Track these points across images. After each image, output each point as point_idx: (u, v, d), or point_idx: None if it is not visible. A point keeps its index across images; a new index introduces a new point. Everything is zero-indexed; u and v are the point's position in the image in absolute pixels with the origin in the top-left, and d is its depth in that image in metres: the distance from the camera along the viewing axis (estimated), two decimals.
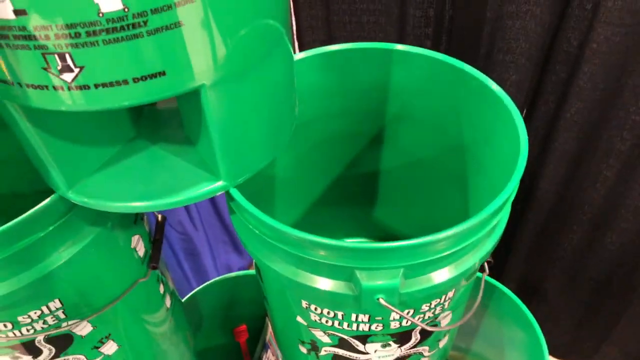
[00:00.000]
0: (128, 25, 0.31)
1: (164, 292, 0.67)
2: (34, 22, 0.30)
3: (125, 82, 0.33)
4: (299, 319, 0.53)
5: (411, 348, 0.55)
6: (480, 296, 0.51)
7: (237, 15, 0.35)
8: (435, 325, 0.53)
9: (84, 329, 0.55)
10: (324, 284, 0.45)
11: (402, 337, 0.52)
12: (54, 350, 0.55)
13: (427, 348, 0.57)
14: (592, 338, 1.12)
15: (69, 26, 0.30)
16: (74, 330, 0.54)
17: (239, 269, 1.30)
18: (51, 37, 0.31)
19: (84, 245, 0.49)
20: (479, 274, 0.55)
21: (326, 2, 0.87)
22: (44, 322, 0.51)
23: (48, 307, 0.50)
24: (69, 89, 0.33)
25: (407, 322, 0.50)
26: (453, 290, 0.50)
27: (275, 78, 0.41)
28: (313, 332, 0.54)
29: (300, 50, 0.92)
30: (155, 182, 0.44)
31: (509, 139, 0.49)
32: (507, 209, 0.48)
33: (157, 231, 0.64)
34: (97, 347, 0.58)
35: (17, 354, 0.54)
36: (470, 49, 0.87)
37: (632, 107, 0.82)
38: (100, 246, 0.51)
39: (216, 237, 1.35)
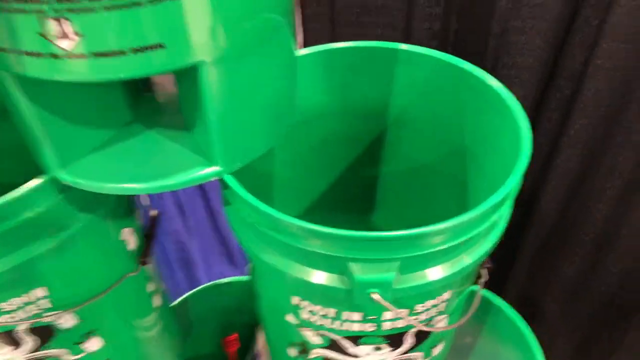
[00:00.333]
0: None
1: (154, 291, 0.67)
2: None
3: (124, 52, 0.33)
4: (289, 317, 0.52)
5: (404, 353, 0.54)
6: (478, 296, 0.51)
7: None
8: (429, 327, 0.52)
9: (68, 321, 0.54)
10: (317, 277, 0.44)
11: (395, 339, 0.51)
12: (35, 342, 0.54)
13: (420, 355, 0.56)
14: None
15: None
16: (57, 322, 0.53)
17: None
18: (50, 0, 0.31)
19: (73, 231, 0.48)
20: (474, 286, 0.55)
21: (331, 14, 0.88)
22: (27, 311, 0.50)
23: (33, 295, 0.50)
24: (67, 57, 0.33)
25: (401, 324, 0.50)
26: (449, 293, 0.49)
27: (276, 62, 0.41)
28: (303, 332, 0.53)
29: None
30: (149, 165, 0.44)
31: (511, 138, 0.49)
32: (507, 208, 0.47)
33: (150, 226, 0.63)
34: (81, 343, 0.57)
35: None
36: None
37: (636, 125, 0.82)
38: (90, 235, 0.51)
39: (211, 248, 1.35)
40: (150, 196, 0.61)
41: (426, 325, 0.51)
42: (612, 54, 0.77)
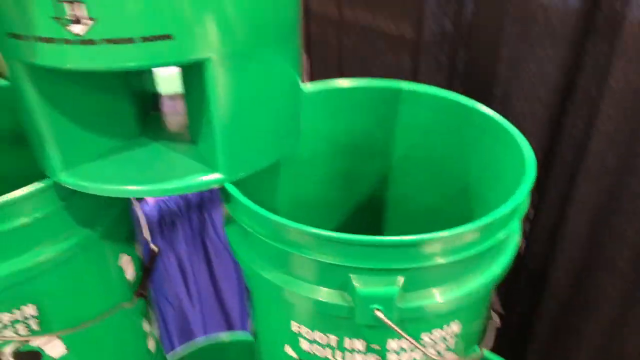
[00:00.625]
0: None
1: (149, 333, 0.64)
2: None
3: (133, 40, 0.35)
4: (289, 350, 0.49)
5: None
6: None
7: None
8: None
9: (56, 348, 0.52)
10: (317, 293, 0.42)
11: None
12: None
13: None
14: None
15: None
16: (44, 348, 0.51)
17: None
18: None
19: (69, 246, 0.47)
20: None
21: (339, 60, 0.90)
22: (15, 330, 0.48)
23: (22, 313, 0.48)
24: (78, 43, 0.35)
25: (406, 358, 0.46)
26: (457, 325, 0.47)
27: (282, 68, 0.42)
28: None
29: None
30: (152, 170, 0.44)
31: (515, 167, 0.49)
32: (515, 229, 0.46)
33: (150, 260, 0.62)
34: None
35: None
36: (484, 96, 0.88)
37: None
38: (87, 253, 0.50)
39: (212, 316, 1.31)
40: (155, 257, 0.61)
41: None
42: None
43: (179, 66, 0.38)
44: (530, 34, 0.72)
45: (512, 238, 0.47)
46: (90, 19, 0.34)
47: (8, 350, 0.50)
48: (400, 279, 0.40)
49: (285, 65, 0.44)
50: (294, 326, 0.47)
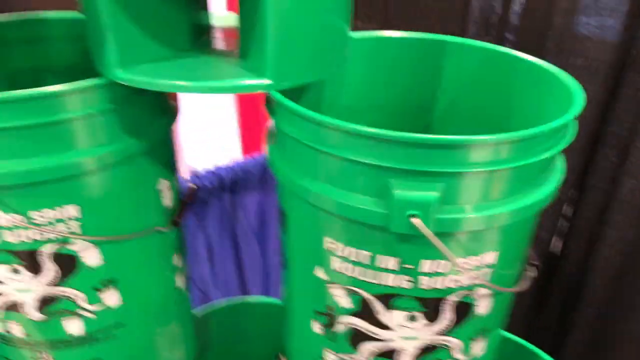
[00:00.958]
0: None
1: (178, 268, 0.65)
2: None
3: None
4: (319, 273, 0.50)
5: (439, 334, 0.50)
6: None
7: None
8: (470, 304, 0.48)
9: (92, 257, 0.53)
10: (353, 199, 0.43)
11: (431, 307, 0.48)
12: (56, 273, 0.52)
13: (457, 344, 0.51)
14: None
15: None
16: (82, 254, 0.52)
17: None
18: None
19: (111, 151, 0.49)
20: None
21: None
22: (56, 231, 0.50)
23: (65, 211, 0.50)
24: None
25: (439, 283, 0.46)
26: (494, 256, 0.46)
27: None
28: (333, 291, 0.50)
29: None
30: (203, 72, 0.46)
31: (562, 106, 0.49)
32: (559, 161, 0.46)
33: (188, 195, 0.64)
34: (99, 290, 0.55)
35: (18, 267, 0.52)
36: None
37: None
38: (127, 164, 0.52)
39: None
40: (194, 193, 0.62)
41: (466, 294, 0.47)
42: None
43: None
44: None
45: (554, 170, 0.47)
46: None
47: (46, 249, 0.51)
48: (440, 186, 0.41)
49: None
50: (327, 243, 0.47)
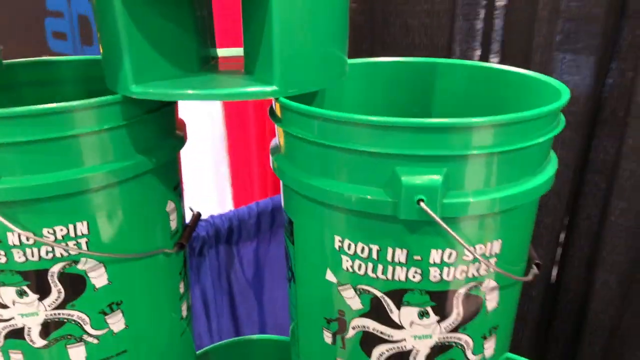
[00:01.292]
0: None
1: (184, 294, 0.65)
2: None
3: None
4: (329, 276, 0.51)
5: (451, 331, 0.50)
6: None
7: None
8: (480, 297, 0.49)
9: (99, 277, 0.54)
10: (362, 191, 0.45)
11: (441, 301, 0.49)
12: (63, 294, 0.53)
13: (470, 342, 0.51)
14: None
15: None
16: (89, 274, 0.53)
17: None
18: None
19: (122, 167, 0.51)
20: None
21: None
22: (66, 247, 0.51)
23: (75, 228, 0.51)
24: None
25: (449, 275, 0.48)
26: (499, 244, 0.48)
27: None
28: (343, 293, 0.50)
29: None
30: (211, 84, 0.49)
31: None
32: (552, 158, 0.49)
33: (192, 219, 0.65)
34: (106, 314, 0.55)
35: (25, 288, 0.52)
36: None
37: None
38: (136, 182, 0.53)
39: None
40: (198, 219, 0.64)
41: (475, 286, 0.49)
42: None
43: None
44: None
45: (550, 161, 0.50)
46: None
47: (56, 269, 0.52)
48: (444, 170, 0.43)
49: None
50: (337, 242, 0.49)
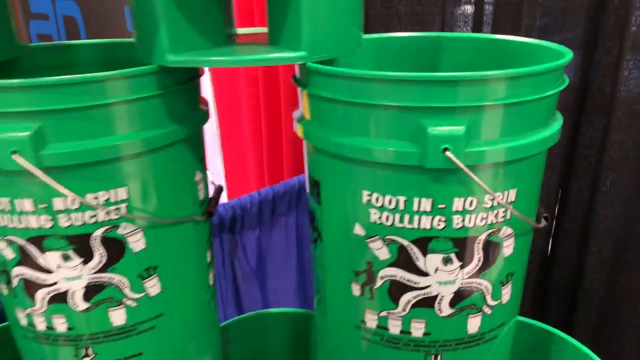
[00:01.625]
0: None
1: (210, 263, 0.69)
2: None
3: None
4: (358, 230, 0.55)
5: (472, 277, 0.55)
6: None
7: None
8: (498, 243, 0.54)
9: (137, 242, 0.57)
10: (390, 144, 0.50)
11: (462, 247, 0.53)
12: (104, 257, 0.56)
13: (489, 286, 0.56)
14: None
15: None
16: (128, 239, 0.56)
17: None
18: None
19: (158, 135, 0.55)
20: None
21: None
22: (107, 213, 0.54)
23: (116, 194, 0.54)
24: None
25: (470, 222, 0.52)
26: (514, 193, 0.53)
27: None
28: (371, 245, 0.55)
29: None
30: (242, 52, 0.53)
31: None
32: (558, 117, 0.54)
33: (215, 192, 0.69)
34: (144, 278, 0.59)
35: (70, 252, 0.55)
36: None
37: None
38: (169, 150, 0.57)
39: None
40: (220, 191, 0.68)
41: (493, 233, 0.53)
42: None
43: None
44: None
45: (557, 118, 0.55)
46: None
47: (98, 233, 0.55)
48: (466, 121, 0.48)
49: None
50: (365, 196, 0.53)
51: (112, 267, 0.57)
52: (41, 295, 0.57)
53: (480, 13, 1.05)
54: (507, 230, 0.54)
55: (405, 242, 0.53)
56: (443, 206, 0.52)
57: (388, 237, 0.54)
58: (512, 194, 0.53)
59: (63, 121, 0.50)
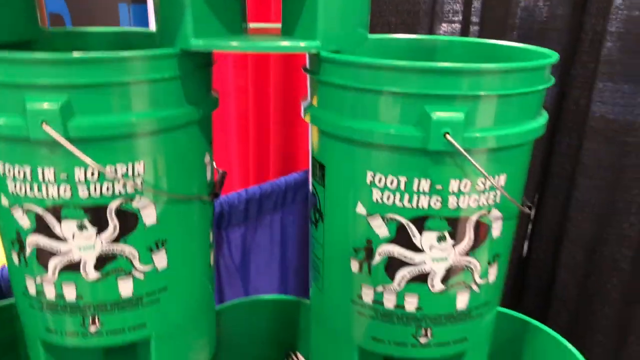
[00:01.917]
0: None
1: (212, 244, 0.73)
2: None
3: None
4: (360, 209, 0.60)
5: (464, 255, 0.60)
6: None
7: None
8: (487, 224, 0.60)
9: (149, 216, 0.61)
10: (396, 128, 0.55)
11: (455, 227, 0.58)
12: (118, 228, 0.59)
13: (477, 265, 0.62)
14: None
15: None
16: (141, 212, 0.60)
17: None
18: None
19: (176, 114, 0.59)
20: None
21: None
22: (124, 186, 0.58)
23: (134, 167, 0.58)
24: None
25: (464, 202, 0.58)
26: (504, 178, 0.59)
27: None
28: (372, 223, 0.60)
29: None
30: (260, 39, 0.58)
31: None
32: (543, 113, 0.61)
33: (219, 177, 0.73)
34: (152, 251, 0.62)
35: (86, 222, 0.58)
36: None
37: None
38: (184, 130, 0.61)
39: None
40: (224, 177, 0.72)
41: (484, 214, 0.59)
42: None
43: None
44: None
45: (543, 113, 0.61)
46: None
47: (114, 205, 0.59)
48: (465, 108, 0.53)
49: None
50: (369, 177, 0.58)
51: (124, 238, 0.60)
52: (53, 263, 0.60)
53: (466, 32, 1.12)
54: (496, 213, 0.60)
55: (403, 220, 0.58)
56: (440, 187, 0.57)
57: (388, 215, 0.59)
58: (502, 179, 0.59)
59: (89, 95, 0.54)
